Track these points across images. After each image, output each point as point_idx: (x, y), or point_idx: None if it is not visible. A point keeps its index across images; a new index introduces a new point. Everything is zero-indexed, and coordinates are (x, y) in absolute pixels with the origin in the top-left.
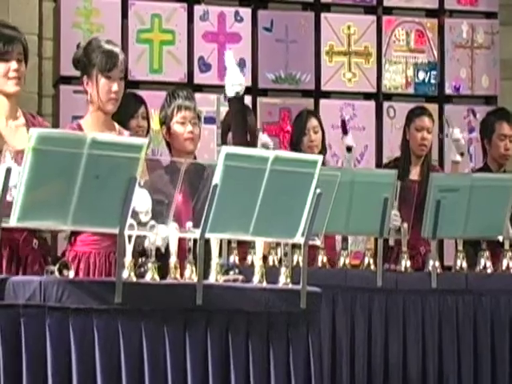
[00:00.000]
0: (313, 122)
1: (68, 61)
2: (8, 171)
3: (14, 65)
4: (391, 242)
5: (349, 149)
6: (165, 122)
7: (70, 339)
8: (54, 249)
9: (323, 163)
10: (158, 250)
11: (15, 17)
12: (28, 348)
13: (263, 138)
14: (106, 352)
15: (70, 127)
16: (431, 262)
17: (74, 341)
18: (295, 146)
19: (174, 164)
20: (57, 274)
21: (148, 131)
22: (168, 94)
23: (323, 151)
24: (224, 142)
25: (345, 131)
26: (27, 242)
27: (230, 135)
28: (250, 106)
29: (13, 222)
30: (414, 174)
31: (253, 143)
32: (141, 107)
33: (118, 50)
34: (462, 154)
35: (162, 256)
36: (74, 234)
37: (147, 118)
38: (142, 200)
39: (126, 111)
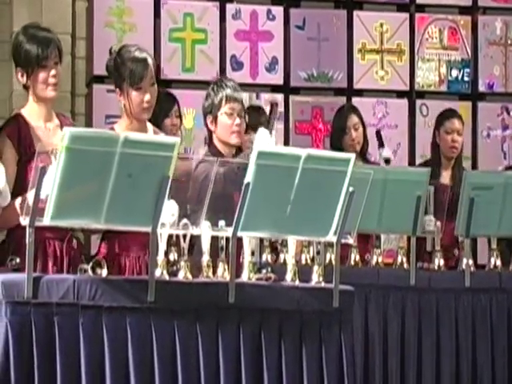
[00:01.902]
0: (353, 119)
1: (101, 60)
2: (43, 170)
3: (53, 71)
4: (429, 248)
5: (387, 161)
6: (211, 111)
7: (103, 337)
8: (88, 248)
9: (365, 157)
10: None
11: (48, 16)
12: (61, 346)
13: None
14: (138, 350)
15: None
16: (465, 261)
17: (107, 339)
18: (336, 143)
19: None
20: (90, 272)
21: (180, 129)
22: (214, 83)
23: (365, 145)
24: None
25: (381, 143)
26: (71, 241)
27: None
28: (283, 104)
29: (46, 220)
30: (446, 176)
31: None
32: (174, 106)
33: (145, 55)
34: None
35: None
36: (106, 236)
37: (180, 115)
38: (169, 212)
39: (161, 110)
